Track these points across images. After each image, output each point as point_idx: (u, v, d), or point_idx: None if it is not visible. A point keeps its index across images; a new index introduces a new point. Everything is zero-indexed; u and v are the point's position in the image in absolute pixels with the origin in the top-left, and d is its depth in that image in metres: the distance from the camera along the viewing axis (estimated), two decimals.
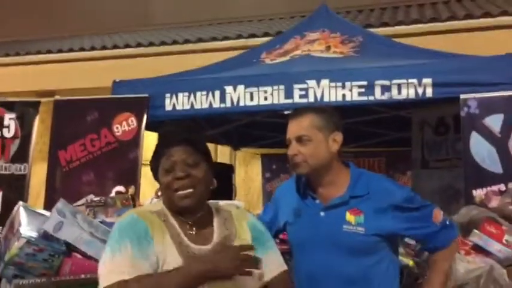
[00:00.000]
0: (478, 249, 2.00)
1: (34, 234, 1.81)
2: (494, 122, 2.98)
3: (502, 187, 2.85)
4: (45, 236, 1.81)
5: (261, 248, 1.60)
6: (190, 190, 1.53)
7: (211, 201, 1.67)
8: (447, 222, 1.89)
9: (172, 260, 1.47)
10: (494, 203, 2.32)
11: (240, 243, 1.56)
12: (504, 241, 1.97)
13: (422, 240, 1.94)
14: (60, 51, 7.17)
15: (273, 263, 1.61)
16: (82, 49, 7.12)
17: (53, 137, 3.77)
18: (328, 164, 1.88)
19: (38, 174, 4.01)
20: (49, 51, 7.20)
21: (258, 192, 6.99)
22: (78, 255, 1.88)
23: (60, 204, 1.91)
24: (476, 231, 2.01)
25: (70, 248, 1.88)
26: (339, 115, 1.96)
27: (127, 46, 6.96)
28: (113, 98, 3.77)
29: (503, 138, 2.93)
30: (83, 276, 1.78)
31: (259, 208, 6.84)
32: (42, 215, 1.96)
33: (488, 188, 2.85)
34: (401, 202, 1.83)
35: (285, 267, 1.65)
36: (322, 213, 1.86)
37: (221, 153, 6.47)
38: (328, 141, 1.87)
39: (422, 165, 4.47)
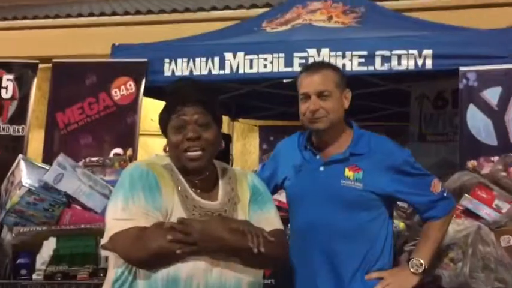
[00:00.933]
0: (468, 213, 2.05)
1: (35, 184, 1.84)
2: (492, 95, 2.99)
3: (496, 159, 2.88)
4: (45, 187, 1.83)
5: (257, 207, 1.61)
6: (200, 153, 1.52)
7: (217, 161, 1.66)
8: (445, 194, 1.89)
9: (178, 213, 1.47)
10: (487, 169, 2.35)
11: (241, 206, 1.57)
12: (494, 206, 2.01)
13: (418, 208, 1.94)
14: (57, 16, 7.09)
15: (266, 221, 1.59)
16: (80, 15, 7.04)
17: (51, 99, 3.76)
18: (340, 121, 1.90)
19: (35, 140, 4.02)
20: (47, 17, 7.12)
21: (254, 165, 7.02)
22: (78, 207, 1.91)
23: (61, 157, 1.93)
24: (467, 195, 2.04)
25: (70, 199, 1.91)
26: None
27: (126, 13, 6.88)
28: (112, 62, 3.77)
29: (500, 111, 2.96)
30: (82, 226, 1.81)
31: None
32: (42, 167, 1.98)
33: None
34: (401, 164, 1.83)
35: (280, 227, 1.62)
36: (321, 168, 1.88)
37: None
38: (342, 98, 1.89)
39: (419, 139, 4.50)
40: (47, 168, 1.96)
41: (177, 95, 1.56)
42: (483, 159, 2.48)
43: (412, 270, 1.81)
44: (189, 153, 1.51)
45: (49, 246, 1.83)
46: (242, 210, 1.59)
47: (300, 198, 1.92)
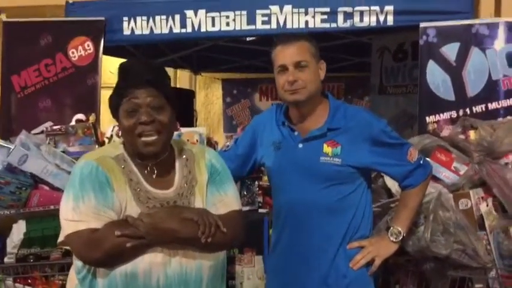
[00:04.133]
0: None
1: None
2: (451, 50, 3.04)
3: (454, 114, 2.99)
4: (9, 169, 1.80)
5: (214, 189, 1.59)
6: (155, 137, 1.48)
7: (175, 139, 1.63)
8: (421, 161, 1.94)
9: (131, 208, 1.47)
10: (446, 132, 2.44)
11: (198, 188, 1.56)
12: (453, 168, 2.11)
13: (395, 178, 1.98)
14: None
15: (222, 203, 1.59)
16: None
17: (4, 62, 3.59)
18: (318, 93, 1.89)
19: None
20: None
21: (218, 115, 7.00)
22: (46, 187, 1.89)
23: (23, 135, 1.88)
24: (427, 159, 2.12)
25: (36, 180, 1.88)
26: None
27: None
28: (67, 21, 3.59)
29: (458, 67, 3.01)
30: (52, 207, 1.79)
31: (219, 132, 6.90)
32: (5, 146, 1.93)
33: (441, 116, 2.99)
34: (378, 134, 1.86)
35: (236, 208, 1.61)
36: (300, 145, 1.90)
37: (181, 78, 6.37)
38: (318, 69, 1.89)
39: (379, 91, 4.59)
40: (10, 146, 1.91)
41: (127, 76, 1.50)
42: (442, 122, 2.56)
43: (391, 238, 1.90)
44: (143, 138, 1.48)
45: (19, 229, 1.82)
46: (199, 192, 1.57)
47: (281, 176, 1.95)
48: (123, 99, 1.48)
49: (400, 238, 1.90)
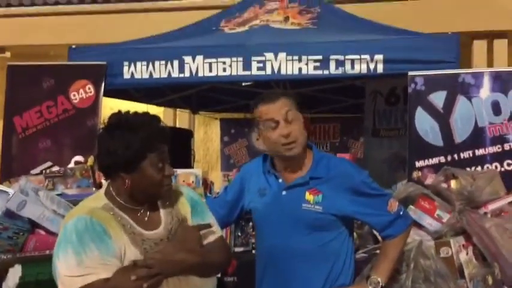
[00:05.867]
0: (413, 223, 2.19)
1: None
2: (438, 98, 3.15)
3: (442, 159, 3.07)
4: (8, 214, 1.86)
5: (199, 219, 1.71)
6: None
7: None
8: (401, 213, 1.97)
9: (130, 252, 1.53)
10: (429, 180, 2.51)
11: (184, 221, 1.67)
12: (436, 215, 2.17)
13: (375, 228, 2.03)
14: (9, 5, 6.87)
15: (208, 231, 1.70)
16: (33, 4, 6.83)
17: (8, 103, 3.71)
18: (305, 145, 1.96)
19: None
20: None
21: (216, 152, 7.08)
22: (42, 232, 1.95)
23: (23, 182, 1.96)
24: (412, 206, 2.19)
25: (34, 225, 1.94)
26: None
27: (81, 2, 6.73)
28: (69, 65, 3.73)
29: (445, 114, 3.11)
30: (47, 252, 1.85)
31: (217, 169, 6.97)
32: (5, 192, 2.00)
33: (430, 161, 3.07)
34: (358, 185, 1.92)
35: (220, 233, 1.76)
36: (284, 192, 1.96)
37: (180, 117, 6.50)
38: (302, 122, 1.95)
39: (373, 134, 4.69)
40: (9, 191, 1.99)
41: (156, 131, 1.61)
42: (426, 170, 2.64)
43: (370, 287, 1.93)
44: (166, 188, 1.63)
45: (15, 274, 1.86)
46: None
47: (264, 222, 2.01)
48: (151, 153, 1.59)
49: (379, 287, 1.94)
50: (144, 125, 1.58)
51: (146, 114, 1.65)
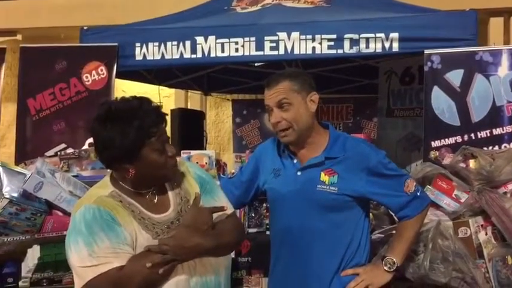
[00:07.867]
0: (430, 204, 2.17)
1: (16, 194, 1.87)
2: (455, 77, 3.09)
3: (459, 139, 3.03)
4: (26, 196, 1.87)
5: (209, 197, 1.69)
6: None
7: None
8: (418, 193, 1.95)
9: (142, 237, 1.52)
10: (447, 160, 2.47)
11: (193, 199, 1.64)
12: (454, 195, 2.14)
13: (392, 208, 2.01)
14: None
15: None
16: None
17: (21, 86, 3.72)
18: (310, 126, 1.94)
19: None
20: None
21: (228, 133, 7.07)
22: (59, 213, 1.96)
23: (39, 163, 1.96)
24: (429, 186, 2.16)
25: (51, 206, 1.95)
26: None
27: None
28: (81, 47, 3.72)
29: (462, 93, 3.06)
30: (65, 232, 1.86)
31: (229, 150, 6.97)
32: (22, 173, 2.01)
33: (447, 141, 3.03)
34: (375, 165, 1.89)
35: (232, 210, 1.75)
36: (299, 173, 1.95)
37: (192, 99, 6.48)
38: (307, 103, 1.93)
39: (387, 114, 4.64)
40: (26, 173, 2.00)
41: (150, 116, 1.55)
42: (444, 150, 2.61)
43: (385, 268, 1.92)
44: (172, 169, 1.62)
45: (33, 254, 1.89)
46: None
47: (279, 203, 2.00)
48: (151, 139, 1.56)
49: (394, 268, 1.92)
50: (136, 112, 1.52)
51: (135, 99, 1.58)
